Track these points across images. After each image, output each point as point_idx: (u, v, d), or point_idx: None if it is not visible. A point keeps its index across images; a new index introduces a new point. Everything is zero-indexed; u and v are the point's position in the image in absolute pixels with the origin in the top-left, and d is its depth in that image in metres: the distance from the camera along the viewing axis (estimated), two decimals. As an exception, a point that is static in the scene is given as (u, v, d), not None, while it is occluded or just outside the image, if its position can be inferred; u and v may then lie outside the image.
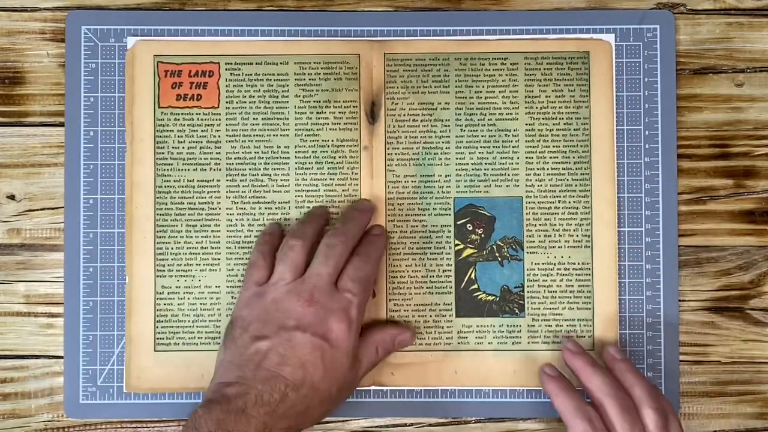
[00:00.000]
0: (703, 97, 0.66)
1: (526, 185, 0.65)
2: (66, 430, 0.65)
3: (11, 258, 0.66)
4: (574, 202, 0.65)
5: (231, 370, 0.57)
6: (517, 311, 0.65)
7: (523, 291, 0.65)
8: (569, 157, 0.65)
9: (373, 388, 0.65)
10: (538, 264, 0.65)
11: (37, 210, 0.66)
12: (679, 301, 0.65)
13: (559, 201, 0.65)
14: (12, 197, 0.66)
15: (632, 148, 0.65)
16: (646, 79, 0.66)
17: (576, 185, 0.65)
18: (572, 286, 0.65)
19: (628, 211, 0.65)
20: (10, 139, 0.66)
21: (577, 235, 0.65)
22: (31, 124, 0.66)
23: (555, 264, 0.65)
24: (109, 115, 0.65)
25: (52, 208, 0.66)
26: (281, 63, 0.65)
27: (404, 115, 0.65)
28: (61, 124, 0.66)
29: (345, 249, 0.60)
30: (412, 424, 0.66)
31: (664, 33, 0.66)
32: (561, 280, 0.65)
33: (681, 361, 0.65)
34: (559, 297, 0.65)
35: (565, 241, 0.65)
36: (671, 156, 0.66)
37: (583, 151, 0.65)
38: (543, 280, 0.65)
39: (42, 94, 0.66)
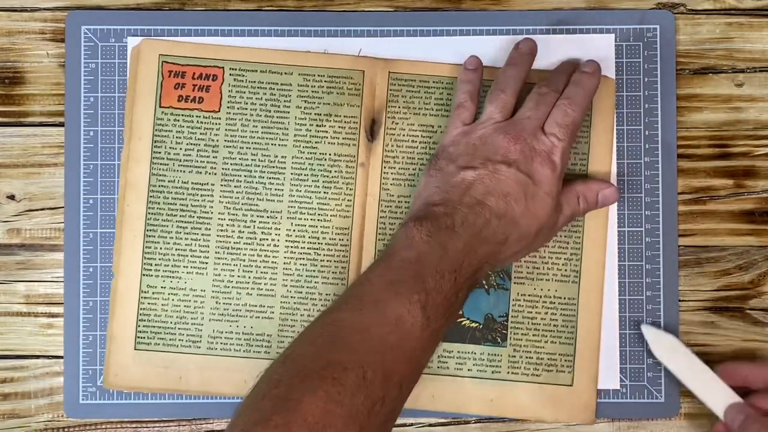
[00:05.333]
0: (703, 97, 0.66)
1: None
2: (66, 430, 0.65)
3: (11, 258, 0.66)
4: (565, 236, 0.64)
5: (437, 193, 0.59)
6: (499, 340, 0.64)
7: (507, 321, 0.64)
8: None
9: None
10: (524, 295, 0.64)
11: (37, 210, 0.66)
12: (679, 301, 0.65)
13: None
14: (12, 197, 0.66)
15: (632, 148, 0.65)
16: (646, 79, 0.66)
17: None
18: (556, 320, 0.64)
19: (628, 211, 0.65)
20: (10, 139, 0.66)
21: (566, 270, 0.64)
22: (31, 124, 0.66)
23: (541, 297, 0.64)
24: (109, 115, 0.65)
25: (52, 208, 0.66)
26: (286, 73, 0.65)
27: (403, 135, 0.65)
28: (61, 124, 0.66)
29: (554, 97, 0.60)
30: (412, 424, 0.66)
31: (664, 33, 0.66)
32: (546, 313, 0.64)
33: (681, 361, 0.65)
34: (543, 330, 0.64)
35: (553, 275, 0.64)
36: (671, 156, 0.66)
37: None
38: (528, 312, 0.64)
39: (42, 94, 0.66)
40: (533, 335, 0.64)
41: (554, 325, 0.64)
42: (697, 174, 0.66)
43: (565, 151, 0.59)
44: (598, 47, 0.66)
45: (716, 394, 0.61)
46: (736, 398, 0.61)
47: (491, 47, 0.65)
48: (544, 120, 0.60)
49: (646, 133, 0.66)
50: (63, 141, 0.66)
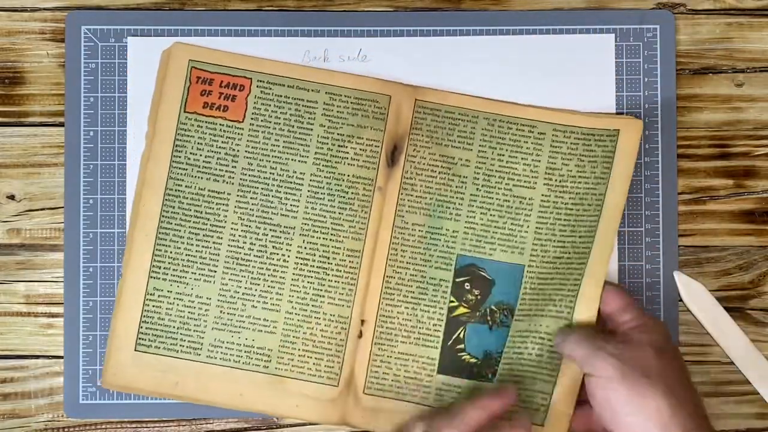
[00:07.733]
0: (703, 97, 0.66)
1: (531, 254, 0.64)
2: (66, 430, 0.65)
3: (11, 258, 0.66)
4: (568, 274, 0.63)
5: None
6: (490, 376, 0.63)
7: (500, 357, 0.63)
8: (576, 231, 0.63)
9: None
10: (520, 331, 0.63)
11: (37, 210, 0.66)
12: (679, 301, 0.65)
13: (557, 272, 0.63)
14: (12, 197, 0.66)
15: (632, 148, 0.65)
16: (646, 79, 0.66)
17: (574, 259, 0.63)
18: (542, 356, 0.62)
19: (628, 211, 0.65)
20: (10, 139, 0.66)
21: (560, 307, 0.62)
22: (31, 124, 0.66)
23: (532, 332, 0.62)
24: (109, 115, 0.66)
25: (52, 208, 0.66)
26: (313, 90, 0.65)
27: (424, 164, 0.64)
28: (61, 124, 0.66)
29: None
30: (412, 424, 0.66)
31: (664, 33, 0.66)
32: (533, 348, 0.62)
33: (681, 361, 0.65)
34: (528, 365, 0.62)
35: (549, 311, 0.62)
36: (671, 156, 0.66)
37: (590, 226, 0.63)
38: (518, 347, 0.63)
39: (42, 94, 0.66)
40: (518, 370, 0.62)
41: (539, 361, 0.62)
42: (697, 174, 0.66)
43: None
44: (598, 47, 0.66)
45: (735, 342, 0.63)
46: (753, 350, 0.63)
47: (491, 47, 0.65)
48: None
49: (646, 133, 0.66)
50: (63, 141, 0.66)
